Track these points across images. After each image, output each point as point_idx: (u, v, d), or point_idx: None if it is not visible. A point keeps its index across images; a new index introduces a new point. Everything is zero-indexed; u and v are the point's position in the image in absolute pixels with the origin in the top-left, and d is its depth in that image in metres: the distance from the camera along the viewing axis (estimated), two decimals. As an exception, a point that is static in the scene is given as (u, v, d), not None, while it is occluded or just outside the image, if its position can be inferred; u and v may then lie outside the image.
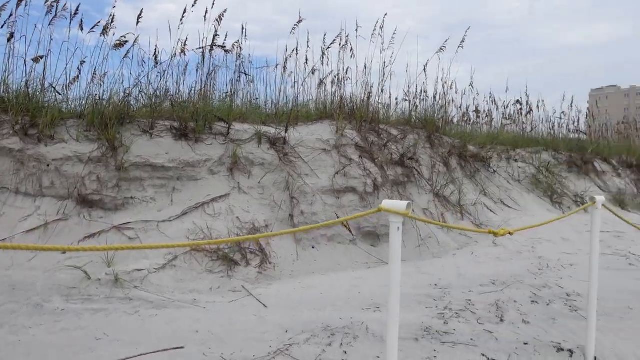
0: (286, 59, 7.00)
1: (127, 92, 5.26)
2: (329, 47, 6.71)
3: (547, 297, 3.92)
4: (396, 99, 8.81)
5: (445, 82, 8.84)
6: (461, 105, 11.52)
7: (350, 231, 4.87)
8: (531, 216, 7.34)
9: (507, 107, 12.47)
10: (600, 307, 3.90)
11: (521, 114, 12.39)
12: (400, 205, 1.97)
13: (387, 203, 2.00)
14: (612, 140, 14.74)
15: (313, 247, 4.71)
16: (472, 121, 12.05)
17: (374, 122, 6.43)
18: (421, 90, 8.45)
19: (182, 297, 3.65)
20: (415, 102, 8.04)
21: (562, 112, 12.13)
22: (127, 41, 5.35)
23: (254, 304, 3.55)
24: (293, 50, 6.97)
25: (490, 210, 6.84)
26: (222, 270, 4.06)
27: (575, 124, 12.96)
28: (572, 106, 12.67)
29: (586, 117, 13.40)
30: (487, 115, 12.55)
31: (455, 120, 10.97)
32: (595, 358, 2.94)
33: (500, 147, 9.48)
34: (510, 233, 2.54)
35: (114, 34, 5.43)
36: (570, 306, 3.78)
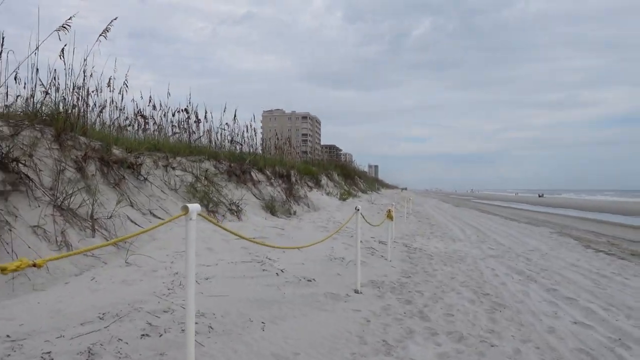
0: None
1: None
2: None
3: (165, 325, 3.27)
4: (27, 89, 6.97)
5: (91, 75, 7.58)
6: (123, 107, 10.42)
7: None
8: (182, 226, 6.85)
9: (175, 114, 12.11)
10: (220, 324, 3.50)
11: (188, 122, 12.22)
12: None
13: None
14: (270, 154, 16.35)
15: None
16: (140, 126, 11.11)
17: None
18: (77, 84, 6.91)
19: None
20: (46, 92, 6.47)
21: (226, 124, 12.56)
22: None
23: None
24: None
25: (134, 223, 5.97)
26: None
27: (239, 137, 13.67)
28: (235, 119, 13.30)
29: (247, 132, 14.34)
30: (154, 122, 11.86)
31: (117, 124, 9.80)
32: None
33: (159, 154, 8.83)
34: (35, 265, 1.65)
35: None
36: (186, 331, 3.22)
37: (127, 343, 2.91)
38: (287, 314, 3.98)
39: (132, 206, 6.36)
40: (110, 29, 6.32)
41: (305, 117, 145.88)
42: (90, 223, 5.15)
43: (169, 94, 10.42)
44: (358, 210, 5.34)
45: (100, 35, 6.39)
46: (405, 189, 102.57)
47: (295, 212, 12.07)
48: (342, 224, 11.68)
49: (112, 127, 9.30)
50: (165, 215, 6.84)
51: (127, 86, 8.62)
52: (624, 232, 15.03)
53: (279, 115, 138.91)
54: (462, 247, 9.62)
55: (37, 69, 6.24)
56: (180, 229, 6.62)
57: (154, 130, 11.72)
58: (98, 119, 8.82)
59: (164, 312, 3.53)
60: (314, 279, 5.22)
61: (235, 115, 13.03)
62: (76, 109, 6.58)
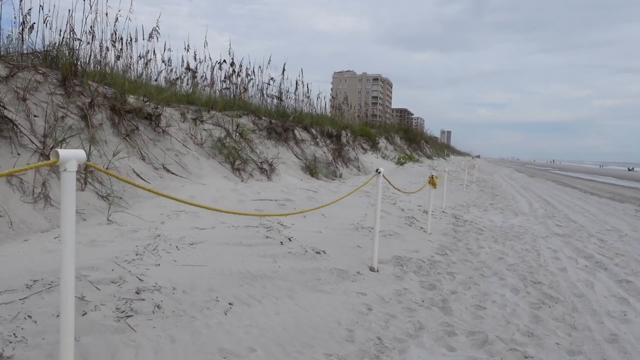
0: None
1: None
2: None
3: (100, 300, 2.68)
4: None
5: (116, 20, 7.11)
6: (169, 60, 10.12)
7: None
8: (200, 184, 6.34)
9: (221, 67, 11.61)
10: (174, 303, 2.84)
11: (234, 75, 11.68)
12: None
13: None
14: (325, 113, 15.47)
15: None
16: (190, 81, 10.80)
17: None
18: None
19: None
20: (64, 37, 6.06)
21: (271, 78, 11.82)
22: None
23: None
24: None
25: (140, 176, 5.49)
26: None
27: (288, 93, 12.91)
28: (283, 74, 12.51)
29: (296, 89, 13.50)
30: (204, 78, 11.48)
31: (162, 77, 9.53)
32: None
33: (192, 107, 8.33)
34: None
35: None
36: (122, 311, 2.62)
37: (35, 322, 2.35)
38: (268, 294, 3.28)
39: (143, 159, 5.89)
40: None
41: (376, 79, 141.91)
42: (83, 175, 4.70)
43: (206, 43, 9.80)
44: (379, 172, 4.46)
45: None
46: (478, 156, 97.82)
47: (341, 175, 11.28)
48: (393, 191, 10.73)
49: (156, 80, 9.00)
50: (181, 171, 6.34)
51: (158, 33, 8.09)
52: None
53: (350, 77, 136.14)
54: (524, 222, 8.39)
55: (41, 7, 5.79)
56: (194, 187, 6.09)
57: (205, 86, 11.36)
58: (144, 72, 8.49)
59: (112, 282, 2.95)
60: (324, 251, 4.47)
61: (283, 70, 12.22)
62: (84, 51, 6.13)
